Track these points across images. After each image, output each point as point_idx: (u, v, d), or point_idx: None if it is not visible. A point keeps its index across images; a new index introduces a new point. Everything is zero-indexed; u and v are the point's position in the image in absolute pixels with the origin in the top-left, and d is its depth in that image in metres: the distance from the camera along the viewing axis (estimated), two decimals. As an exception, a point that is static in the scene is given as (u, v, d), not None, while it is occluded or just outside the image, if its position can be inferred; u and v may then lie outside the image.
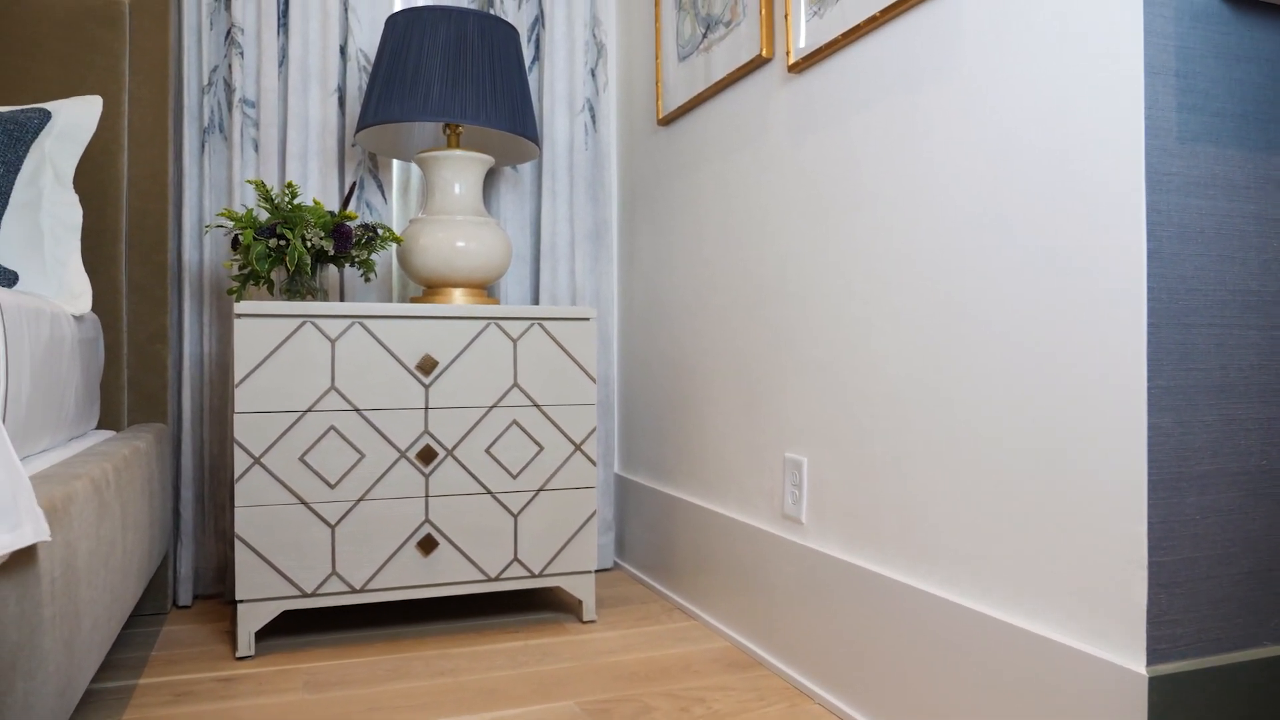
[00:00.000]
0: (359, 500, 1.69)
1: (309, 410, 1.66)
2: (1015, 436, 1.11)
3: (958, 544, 1.20)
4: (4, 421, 1.08)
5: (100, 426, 1.84)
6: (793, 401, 1.58)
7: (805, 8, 1.52)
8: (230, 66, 1.99)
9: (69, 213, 1.58)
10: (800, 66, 1.53)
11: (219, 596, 2.03)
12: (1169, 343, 0.96)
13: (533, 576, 1.81)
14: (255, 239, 1.68)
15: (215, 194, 2.00)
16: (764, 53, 1.63)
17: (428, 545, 1.72)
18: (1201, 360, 0.97)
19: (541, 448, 1.81)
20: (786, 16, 1.55)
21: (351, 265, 1.80)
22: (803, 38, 1.53)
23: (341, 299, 2.07)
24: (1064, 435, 1.04)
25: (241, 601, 1.63)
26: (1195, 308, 0.97)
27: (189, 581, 1.96)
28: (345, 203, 1.83)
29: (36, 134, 1.53)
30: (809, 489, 1.53)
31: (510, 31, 1.90)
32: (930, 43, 1.25)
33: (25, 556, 0.86)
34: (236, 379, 1.61)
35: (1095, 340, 1.00)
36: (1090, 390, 1.01)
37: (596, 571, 1.98)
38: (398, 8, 2.21)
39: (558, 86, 2.22)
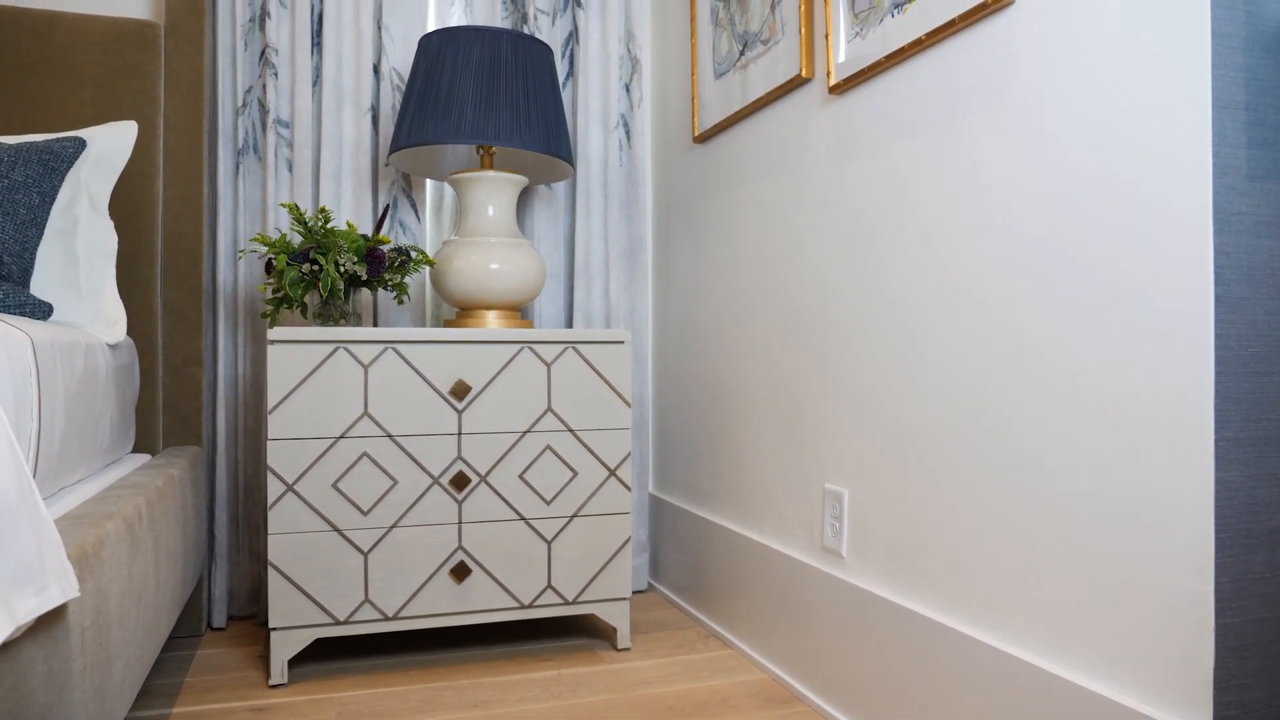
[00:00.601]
0: (392, 527, 1.67)
1: (341, 436, 1.64)
2: (1070, 482, 1.06)
3: (1008, 590, 1.15)
4: (36, 465, 1.07)
5: (136, 449, 1.84)
6: (833, 430, 1.54)
7: (846, 28, 1.48)
8: (264, 87, 1.98)
9: (105, 239, 1.58)
10: (842, 88, 1.49)
11: (253, 618, 2.03)
12: (1238, 392, 0.90)
13: (566, 604, 1.78)
14: (289, 264, 1.67)
15: (249, 215, 2.00)
16: (803, 72, 1.59)
17: (461, 572, 1.70)
18: (1272, 410, 0.92)
19: (575, 473, 1.79)
20: (827, 36, 1.51)
21: (385, 288, 1.79)
22: (843, 58, 1.49)
23: (375, 321, 2.06)
24: (1124, 485, 0.99)
25: (274, 629, 1.62)
26: (1266, 355, 0.92)
27: (223, 603, 1.96)
28: (378, 226, 1.81)
29: (72, 163, 1.52)
30: (850, 522, 1.49)
31: (544, 51, 1.87)
32: (981, 68, 1.21)
33: (54, 614, 0.85)
34: (270, 405, 1.60)
35: (1159, 388, 0.95)
36: (1153, 440, 0.96)
37: (631, 594, 1.94)
38: (431, 27, 2.19)
39: (592, 102, 2.20)
